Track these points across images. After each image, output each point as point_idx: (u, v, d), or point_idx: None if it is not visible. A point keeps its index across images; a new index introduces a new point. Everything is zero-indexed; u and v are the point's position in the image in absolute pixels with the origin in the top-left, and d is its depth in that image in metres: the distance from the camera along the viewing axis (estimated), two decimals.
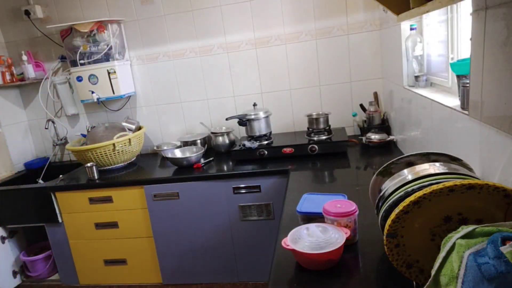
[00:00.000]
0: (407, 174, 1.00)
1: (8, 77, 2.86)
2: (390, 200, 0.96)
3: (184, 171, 2.37)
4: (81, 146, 2.62)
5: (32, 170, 3.00)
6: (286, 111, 2.74)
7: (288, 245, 1.09)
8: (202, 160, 2.46)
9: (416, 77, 1.80)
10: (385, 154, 2.15)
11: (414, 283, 0.92)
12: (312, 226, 1.14)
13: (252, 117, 2.44)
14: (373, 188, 1.17)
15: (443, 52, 1.63)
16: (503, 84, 0.87)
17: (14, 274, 2.75)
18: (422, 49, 1.83)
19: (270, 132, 2.53)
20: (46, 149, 3.17)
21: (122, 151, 2.55)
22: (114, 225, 2.46)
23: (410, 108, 1.83)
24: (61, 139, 3.06)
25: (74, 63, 2.72)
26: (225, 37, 2.66)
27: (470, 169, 1.03)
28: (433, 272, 0.68)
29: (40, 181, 2.84)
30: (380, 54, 2.52)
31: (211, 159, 2.50)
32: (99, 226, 2.48)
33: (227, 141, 2.60)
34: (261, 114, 2.45)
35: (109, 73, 2.64)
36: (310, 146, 2.27)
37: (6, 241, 2.69)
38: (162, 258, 2.47)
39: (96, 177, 2.45)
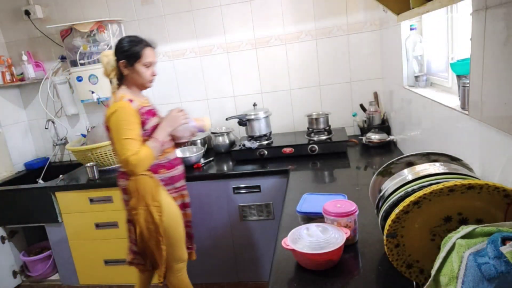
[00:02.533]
0: (407, 174, 1.00)
1: (8, 77, 2.87)
2: (390, 200, 0.96)
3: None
4: (81, 146, 2.62)
5: (32, 170, 3.00)
6: (286, 111, 2.74)
7: (288, 245, 1.09)
8: (202, 160, 2.46)
9: (416, 77, 1.80)
10: (385, 154, 2.15)
11: (414, 283, 0.92)
12: (312, 226, 1.14)
13: (252, 117, 2.44)
14: (373, 188, 1.17)
15: (443, 52, 1.63)
16: (503, 84, 0.87)
17: (14, 274, 2.75)
18: (422, 49, 1.83)
19: (270, 132, 2.53)
20: (46, 149, 3.16)
21: None
22: (114, 225, 2.46)
23: (410, 108, 1.83)
24: (61, 139, 3.06)
25: (74, 63, 2.72)
26: (225, 37, 2.66)
27: (470, 169, 1.03)
28: (433, 272, 0.68)
29: (40, 181, 2.84)
30: (380, 54, 2.52)
31: (211, 159, 2.50)
32: (99, 226, 2.48)
33: (227, 141, 2.60)
34: (261, 114, 2.45)
35: None
36: (310, 146, 2.27)
37: (6, 241, 2.69)
38: None
39: (96, 177, 2.45)
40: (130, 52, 1.70)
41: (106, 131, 1.73)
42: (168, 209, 1.77)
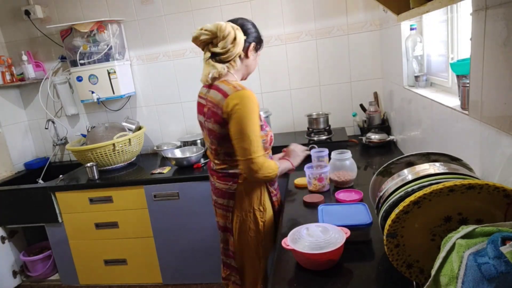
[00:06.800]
0: (407, 174, 1.00)
1: (8, 77, 2.86)
2: (390, 200, 0.96)
3: (184, 171, 2.37)
4: (81, 146, 2.62)
5: (32, 170, 3.00)
6: (286, 111, 2.74)
7: (288, 245, 1.09)
8: (202, 160, 2.46)
9: (416, 77, 1.80)
10: (385, 154, 2.15)
11: (414, 283, 0.92)
12: (312, 226, 1.14)
13: None
14: (373, 188, 1.17)
15: (443, 52, 1.63)
16: (503, 84, 0.87)
17: (14, 274, 2.75)
18: (422, 49, 1.83)
19: None
20: (46, 149, 3.16)
21: (122, 151, 2.55)
22: (114, 225, 2.46)
23: (410, 108, 1.83)
24: (61, 139, 3.06)
25: (74, 63, 2.72)
26: None
27: (470, 169, 1.03)
28: (433, 272, 0.68)
29: (40, 181, 2.84)
30: (380, 54, 2.52)
31: None
32: (99, 226, 2.48)
33: None
34: (261, 114, 2.44)
35: (109, 73, 2.64)
36: (310, 146, 2.26)
37: (6, 241, 2.69)
38: (162, 258, 2.47)
39: (96, 177, 2.45)
40: (259, 38, 1.50)
41: (214, 123, 1.43)
42: (269, 215, 1.57)
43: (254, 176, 1.40)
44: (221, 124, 1.41)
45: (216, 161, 1.53)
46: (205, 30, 1.39)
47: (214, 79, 1.45)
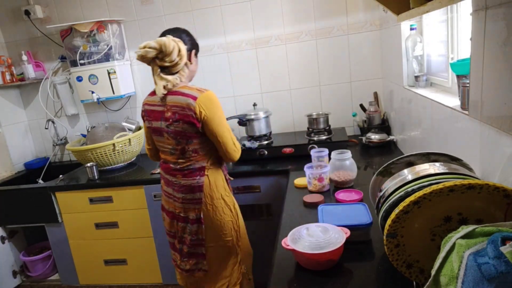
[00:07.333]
0: (407, 174, 1.00)
1: (8, 77, 2.86)
2: (390, 200, 0.96)
3: None
4: (81, 146, 2.62)
5: (32, 170, 3.00)
6: (286, 111, 2.74)
7: (288, 245, 1.09)
8: None
9: (416, 77, 1.80)
10: (385, 154, 2.15)
11: (414, 283, 0.92)
12: (312, 226, 1.14)
13: (252, 117, 2.44)
14: (373, 188, 1.17)
15: (443, 52, 1.63)
16: (503, 84, 0.87)
17: (14, 274, 2.75)
18: (422, 49, 1.83)
19: (270, 132, 2.53)
20: (46, 149, 3.16)
21: (122, 151, 2.55)
22: (114, 225, 2.46)
23: (410, 108, 1.83)
24: (61, 139, 3.06)
25: (74, 63, 2.72)
26: (225, 37, 2.66)
27: (470, 169, 1.03)
28: (433, 272, 0.68)
29: (40, 181, 2.84)
30: (380, 54, 2.52)
31: None
32: (99, 226, 2.48)
33: None
34: (261, 114, 2.45)
35: (109, 73, 2.64)
36: (310, 146, 2.26)
37: (6, 241, 2.69)
38: (162, 258, 2.47)
39: (96, 177, 2.45)
40: (196, 44, 1.66)
41: (185, 124, 1.53)
42: (232, 197, 1.75)
43: (235, 157, 1.64)
44: (193, 124, 1.53)
45: (180, 160, 1.63)
46: (150, 47, 1.48)
47: (169, 90, 1.56)
